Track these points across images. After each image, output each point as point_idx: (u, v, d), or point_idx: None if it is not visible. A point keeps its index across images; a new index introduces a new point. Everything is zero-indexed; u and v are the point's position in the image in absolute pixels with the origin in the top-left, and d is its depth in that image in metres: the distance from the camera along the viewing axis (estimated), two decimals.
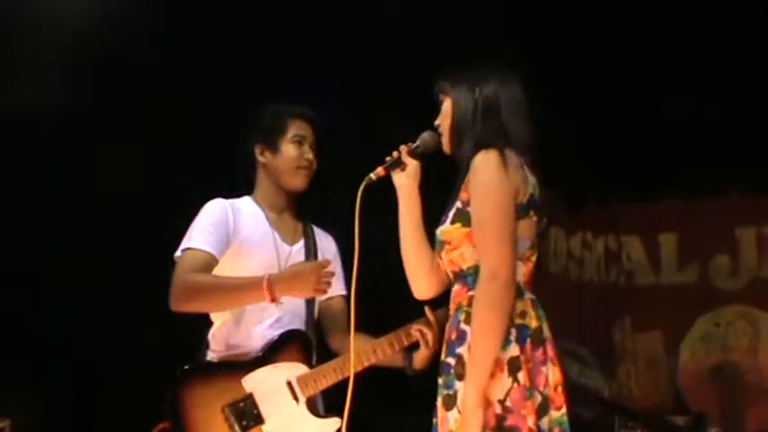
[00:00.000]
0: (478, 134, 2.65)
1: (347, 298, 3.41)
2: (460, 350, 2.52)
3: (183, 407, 3.09)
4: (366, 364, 3.15)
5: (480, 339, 2.45)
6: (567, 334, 6.44)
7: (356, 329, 2.94)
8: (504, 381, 2.46)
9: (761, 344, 6.27)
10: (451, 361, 2.55)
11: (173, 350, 3.33)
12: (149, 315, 3.57)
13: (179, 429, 3.08)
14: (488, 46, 4.79)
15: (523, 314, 2.54)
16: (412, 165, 2.83)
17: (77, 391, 4.75)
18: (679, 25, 5.33)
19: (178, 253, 3.21)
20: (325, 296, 3.36)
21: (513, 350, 2.49)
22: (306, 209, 3.50)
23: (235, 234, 3.25)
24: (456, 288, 2.65)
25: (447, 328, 2.65)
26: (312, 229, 3.47)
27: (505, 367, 2.47)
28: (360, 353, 3.11)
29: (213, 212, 3.28)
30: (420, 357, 3.21)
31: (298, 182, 3.36)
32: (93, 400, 4.77)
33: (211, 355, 3.28)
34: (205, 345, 3.32)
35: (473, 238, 2.54)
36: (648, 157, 5.98)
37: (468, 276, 2.58)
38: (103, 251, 4.83)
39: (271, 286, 3.04)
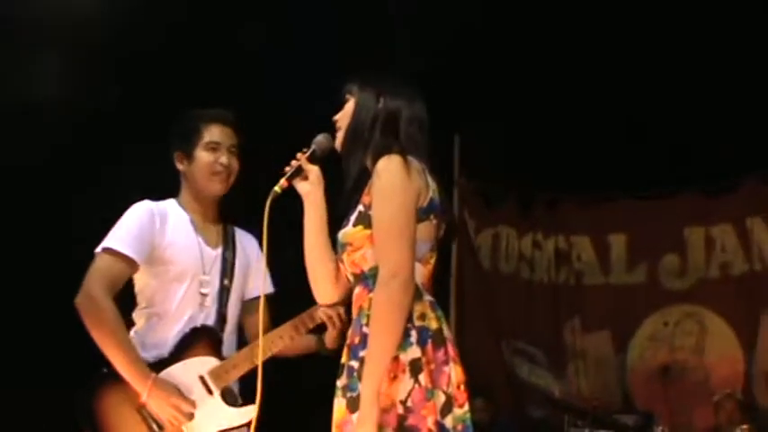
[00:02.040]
0: (375, 142, 2.68)
1: (269, 297, 3.38)
2: (364, 353, 2.52)
3: (98, 412, 3.10)
4: (274, 350, 3.19)
5: (378, 337, 2.48)
6: (518, 333, 6.48)
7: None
8: (406, 382, 2.48)
9: (707, 343, 6.36)
10: (355, 364, 2.55)
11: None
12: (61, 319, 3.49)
13: None
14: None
15: (423, 316, 2.58)
16: (313, 171, 2.80)
17: None
18: (627, 26, 5.38)
19: (98, 249, 3.18)
20: (250, 295, 3.40)
21: (415, 352, 2.51)
22: (231, 210, 3.46)
23: (159, 239, 3.23)
24: (357, 291, 2.65)
25: (349, 331, 2.65)
26: (233, 232, 3.45)
27: (407, 369, 2.49)
28: (266, 340, 3.09)
29: (139, 215, 3.24)
30: (330, 337, 3.25)
31: (213, 188, 3.33)
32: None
33: None
34: None
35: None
36: (599, 158, 6.03)
37: (370, 278, 2.59)
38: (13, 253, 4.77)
39: (151, 391, 3.04)
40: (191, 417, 3.10)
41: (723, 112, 5.59)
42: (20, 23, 4.53)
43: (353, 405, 2.49)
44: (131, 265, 3.16)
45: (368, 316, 2.55)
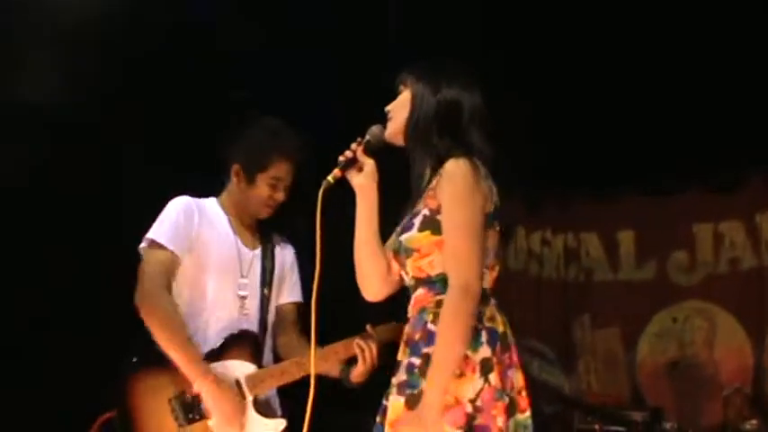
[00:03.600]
0: (436, 139, 2.63)
1: (299, 305, 3.46)
2: (428, 350, 2.51)
3: (129, 396, 3.12)
4: (308, 371, 3.09)
5: (446, 347, 2.46)
6: (528, 331, 6.49)
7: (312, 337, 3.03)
8: (476, 381, 2.48)
9: (717, 339, 6.35)
10: (416, 361, 2.53)
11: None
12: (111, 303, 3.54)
13: (124, 418, 3.11)
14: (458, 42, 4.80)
15: (492, 318, 2.57)
16: (368, 163, 2.74)
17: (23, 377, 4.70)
18: (636, 23, 5.38)
19: (144, 244, 3.24)
20: (281, 301, 3.43)
21: (485, 351, 2.51)
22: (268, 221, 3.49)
23: (198, 234, 3.27)
24: (420, 292, 2.62)
25: (408, 329, 2.62)
26: (271, 237, 3.48)
27: (477, 368, 2.49)
28: (303, 361, 3.14)
29: (178, 209, 3.29)
30: (357, 372, 3.20)
31: (260, 215, 3.39)
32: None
33: None
34: None
35: (441, 245, 2.56)
36: (607, 155, 6.03)
37: (437, 283, 2.57)
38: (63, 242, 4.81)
39: (211, 388, 3.06)
40: (240, 422, 3.11)
41: (731, 109, 5.58)
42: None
43: (413, 402, 2.49)
44: (176, 258, 3.21)
45: (434, 314, 2.54)
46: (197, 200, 3.37)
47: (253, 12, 4.92)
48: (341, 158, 2.75)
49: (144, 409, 3.11)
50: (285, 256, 3.47)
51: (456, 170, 2.55)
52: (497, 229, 2.62)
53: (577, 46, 5.54)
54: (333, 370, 3.24)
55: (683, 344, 6.42)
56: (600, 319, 6.70)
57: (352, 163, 2.74)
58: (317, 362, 3.08)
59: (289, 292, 3.44)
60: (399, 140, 2.73)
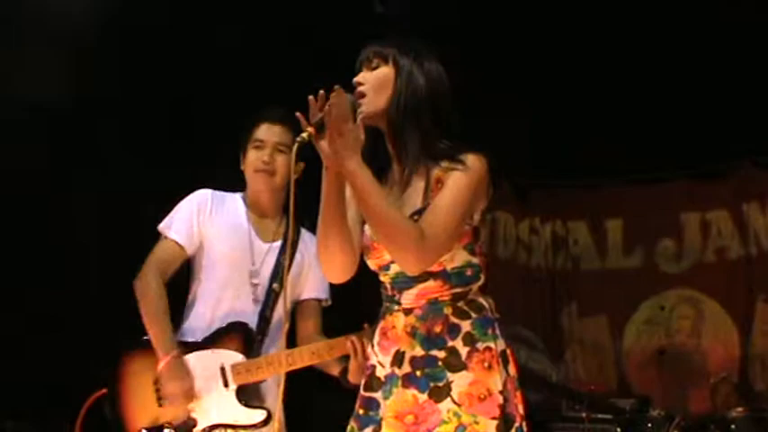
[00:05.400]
0: (428, 122, 2.51)
1: (321, 302, 3.48)
2: (454, 343, 2.48)
3: (120, 374, 3.26)
4: (299, 364, 3.20)
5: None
6: (515, 318, 6.51)
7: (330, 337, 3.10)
8: (502, 372, 2.49)
9: (704, 327, 6.39)
10: (439, 353, 2.49)
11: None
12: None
13: (112, 394, 3.24)
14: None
15: (496, 310, 2.59)
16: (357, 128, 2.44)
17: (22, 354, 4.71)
18: (624, 16, 5.39)
19: (162, 226, 3.36)
20: (303, 297, 3.45)
21: (502, 344, 2.53)
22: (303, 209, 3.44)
23: (208, 225, 3.36)
24: (430, 284, 2.53)
25: (418, 324, 2.53)
26: (298, 233, 3.47)
27: (500, 359, 2.50)
28: (296, 353, 3.20)
29: (192, 202, 3.40)
30: (352, 369, 3.14)
31: (256, 185, 3.39)
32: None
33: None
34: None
35: (462, 239, 2.51)
36: (595, 143, 6.05)
37: (453, 276, 2.52)
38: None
39: (167, 364, 3.17)
40: (186, 401, 3.19)
41: (719, 98, 5.61)
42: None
43: (438, 394, 2.46)
44: (182, 249, 3.33)
45: (453, 307, 2.52)
46: (218, 193, 3.45)
47: None
48: (313, 120, 2.44)
49: (130, 387, 3.24)
50: (310, 249, 3.45)
51: (475, 167, 2.48)
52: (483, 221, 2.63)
53: (567, 35, 5.55)
54: (331, 367, 3.25)
55: (671, 332, 6.46)
56: (587, 307, 6.73)
57: (324, 127, 2.43)
58: (308, 356, 3.21)
59: (311, 288, 3.46)
60: (376, 122, 2.56)
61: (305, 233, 3.47)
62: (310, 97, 2.37)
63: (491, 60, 5.51)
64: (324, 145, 2.43)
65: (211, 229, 3.36)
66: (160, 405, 3.20)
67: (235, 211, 3.42)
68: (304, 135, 2.40)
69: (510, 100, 5.74)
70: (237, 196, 3.47)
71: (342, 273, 2.61)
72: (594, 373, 6.58)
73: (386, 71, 2.55)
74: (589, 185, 6.71)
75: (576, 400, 5.65)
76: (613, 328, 6.62)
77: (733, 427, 5.14)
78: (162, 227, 3.37)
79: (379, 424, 2.52)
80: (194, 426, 3.19)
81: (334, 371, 3.23)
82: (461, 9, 5.21)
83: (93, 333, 4.28)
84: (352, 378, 3.12)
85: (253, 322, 3.32)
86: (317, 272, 3.39)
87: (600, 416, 5.51)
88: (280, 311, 3.36)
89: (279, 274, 3.36)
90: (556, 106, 5.99)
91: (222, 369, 3.23)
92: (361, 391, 2.60)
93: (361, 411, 2.57)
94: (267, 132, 3.36)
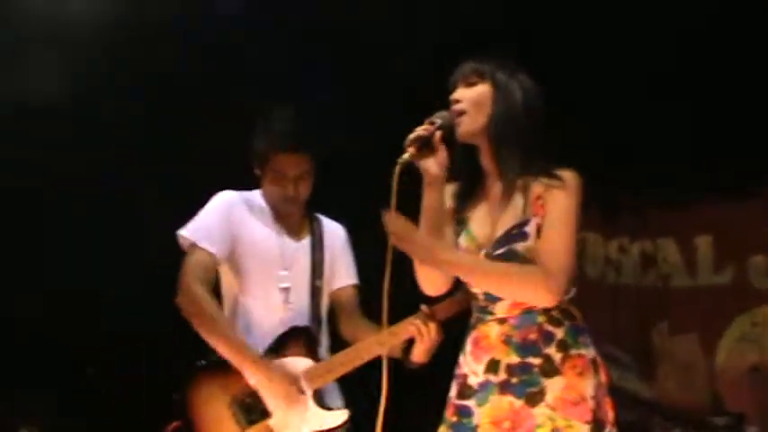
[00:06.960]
0: (529, 138, 2.55)
1: (357, 287, 3.46)
2: (548, 351, 2.55)
3: (192, 405, 3.16)
4: (368, 357, 3.13)
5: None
6: (605, 338, 6.48)
7: (372, 320, 3.04)
8: (593, 378, 2.57)
9: None
10: (535, 360, 2.54)
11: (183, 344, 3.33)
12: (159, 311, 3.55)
13: (190, 427, 3.15)
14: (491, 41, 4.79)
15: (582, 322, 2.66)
16: (442, 150, 2.58)
17: (87, 394, 4.76)
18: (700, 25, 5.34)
19: (185, 234, 3.25)
20: (337, 286, 3.41)
21: (592, 352, 2.62)
22: (314, 200, 3.41)
23: (240, 230, 3.29)
24: None
25: (513, 331, 2.58)
26: (320, 223, 3.45)
27: (591, 366, 2.58)
28: (362, 348, 3.14)
29: (220, 208, 3.31)
30: (418, 351, 3.10)
31: (285, 211, 3.36)
32: (105, 402, 4.78)
33: None
34: None
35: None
36: (681, 159, 6.00)
37: None
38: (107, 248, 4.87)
39: (254, 371, 3.08)
40: (299, 398, 3.11)
41: None
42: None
43: (533, 399, 2.53)
44: (216, 261, 3.23)
45: (545, 316, 2.59)
46: (243, 193, 3.38)
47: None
48: (412, 137, 2.56)
49: (207, 416, 3.15)
50: (335, 240, 3.44)
51: (575, 185, 2.56)
52: None
53: (642, 51, 5.50)
54: (394, 351, 3.16)
55: (764, 348, 6.36)
56: (678, 325, 6.66)
57: (427, 145, 2.54)
58: (376, 347, 3.10)
59: (343, 275, 3.42)
60: (474, 139, 2.62)
61: (327, 223, 3.44)
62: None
63: (570, 78, 5.51)
64: (425, 164, 2.54)
65: (242, 232, 3.28)
66: (242, 429, 3.13)
67: (263, 211, 3.35)
68: (405, 156, 2.49)
69: (591, 119, 5.74)
70: (258, 194, 3.39)
71: (441, 285, 2.74)
72: (686, 392, 6.50)
73: (484, 88, 2.60)
74: (677, 202, 6.65)
75: (669, 418, 5.61)
76: (705, 346, 6.54)
77: None
78: (190, 235, 3.24)
79: (473, 431, 2.59)
80: None
81: (396, 353, 3.14)
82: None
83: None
84: (417, 359, 3.09)
85: (293, 323, 3.27)
86: (346, 258, 3.41)
87: None
88: (325, 308, 3.37)
89: (318, 270, 3.33)
90: (639, 123, 5.95)
91: (295, 377, 3.17)
92: (453, 399, 2.67)
93: (454, 419, 2.65)
94: (285, 164, 3.26)
